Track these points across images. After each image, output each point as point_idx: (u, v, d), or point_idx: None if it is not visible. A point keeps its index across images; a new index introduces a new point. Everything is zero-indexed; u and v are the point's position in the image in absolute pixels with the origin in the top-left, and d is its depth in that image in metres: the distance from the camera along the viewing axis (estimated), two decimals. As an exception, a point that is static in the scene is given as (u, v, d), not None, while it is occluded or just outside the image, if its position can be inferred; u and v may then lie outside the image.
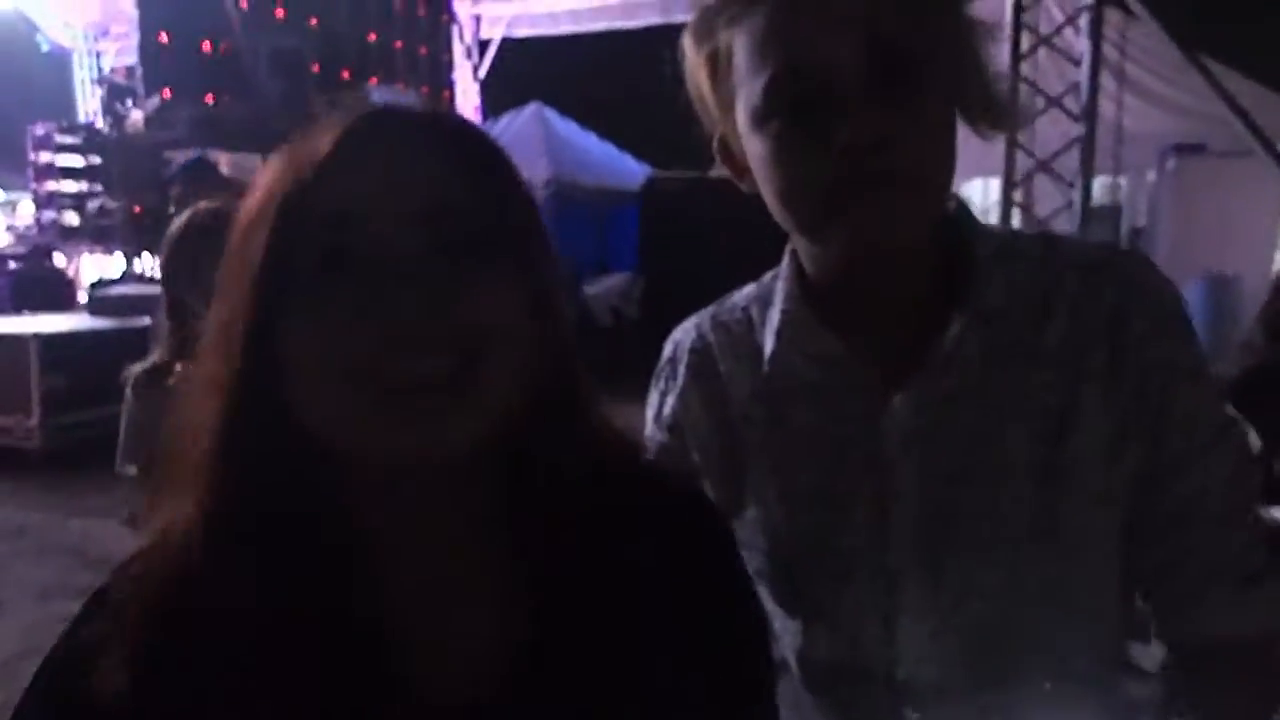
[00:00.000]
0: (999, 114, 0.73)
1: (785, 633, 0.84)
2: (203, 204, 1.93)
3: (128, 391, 1.91)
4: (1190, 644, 0.77)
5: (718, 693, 0.61)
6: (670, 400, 0.86)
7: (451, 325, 0.52)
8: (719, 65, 0.73)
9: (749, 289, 0.87)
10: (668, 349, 0.89)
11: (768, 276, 0.85)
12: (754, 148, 0.72)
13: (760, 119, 0.70)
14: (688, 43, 0.76)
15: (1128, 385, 0.74)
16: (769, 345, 0.80)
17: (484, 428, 0.54)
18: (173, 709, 0.53)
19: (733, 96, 0.73)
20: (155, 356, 1.90)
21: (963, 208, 0.79)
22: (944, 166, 0.71)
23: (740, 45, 0.71)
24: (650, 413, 0.88)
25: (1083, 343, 0.74)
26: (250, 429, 0.54)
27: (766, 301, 0.83)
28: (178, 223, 1.92)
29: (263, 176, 0.57)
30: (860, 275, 0.75)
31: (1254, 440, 1.68)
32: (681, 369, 0.86)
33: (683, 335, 0.88)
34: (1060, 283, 0.76)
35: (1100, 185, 8.61)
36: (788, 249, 0.81)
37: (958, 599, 0.75)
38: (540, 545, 0.58)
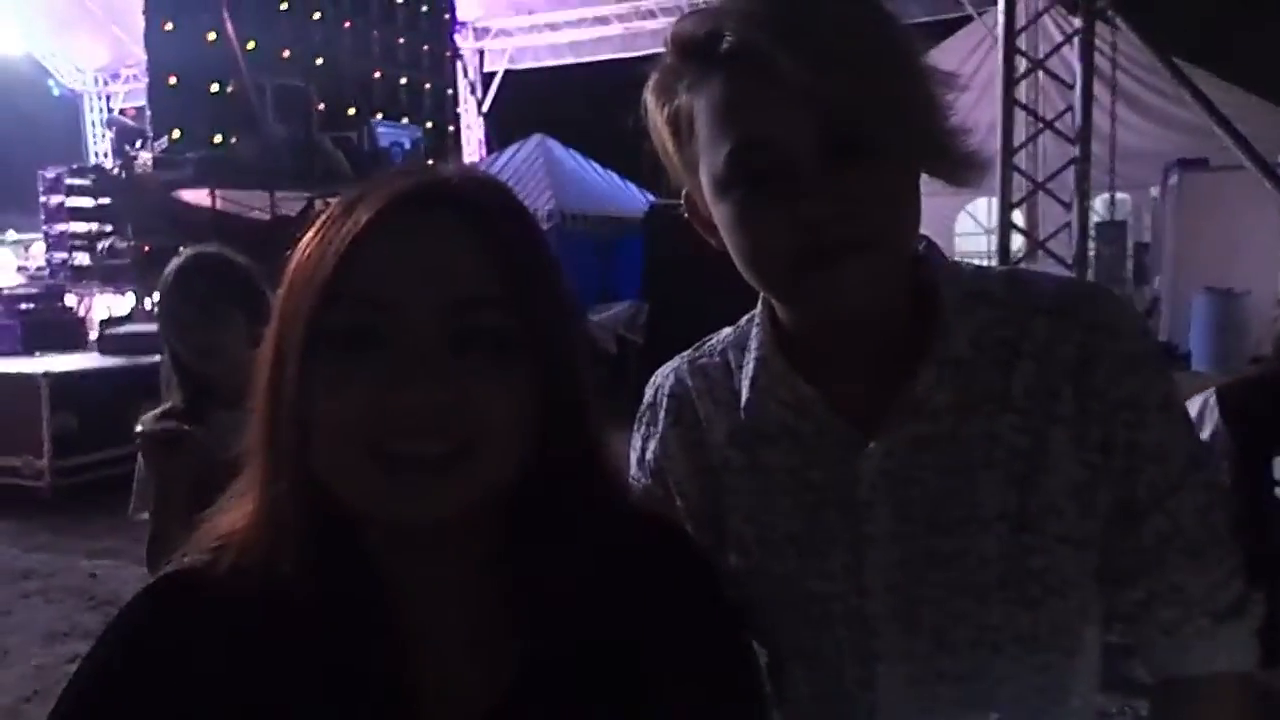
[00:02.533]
0: (959, 168, 0.72)
1: (769, 675, 0.84)
2: (187, 251, 1.95)
3: (138, 441, 1.91)
4: (1168, 681, 0.77)
5: None
6: (651, 445, 0.86)
7: (460, 415, 0.56)
8: (681, 126, 0.74)
9: (726, 333, 0.87)
10: (648, 393, 0.89)
11: (744, 320, 0.85)
12: (719, 213, 0.72)
13: (722, 188, 0.71)
14: (650, 101, 0.76)
15: (1097, 427, 0.74)
16: (744, 391, 0.80)
17: (475, 499, 0.58)
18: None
19: (696, 159, 0.73)
20: (165, 404, 1.90)
21: (931, 247, 0.79)
22: (906, 226, 0.71)
23: (700, 111, 0.71)
24: (633, 456, 0.88)
25: (1051, 387, 0.74)
26: (282, 493, 0.59)
27: (742, 346, 0.83)
28: (164, 274, 1.92)
29: (303, 248, 0.60)
30: (830, 330, 0.76)
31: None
32: (661, 414, 0.86)
33: (662, 379, 0.88)
34: (1027, 327, 0.76)
35: (1104, 202, 8.64)
36: (762, 296, 0.81)
37: (934, 645, 0.75)
38: (535, 589, 0.62)
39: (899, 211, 0.70)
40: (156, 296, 1.95)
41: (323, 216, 0.60)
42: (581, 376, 0.63)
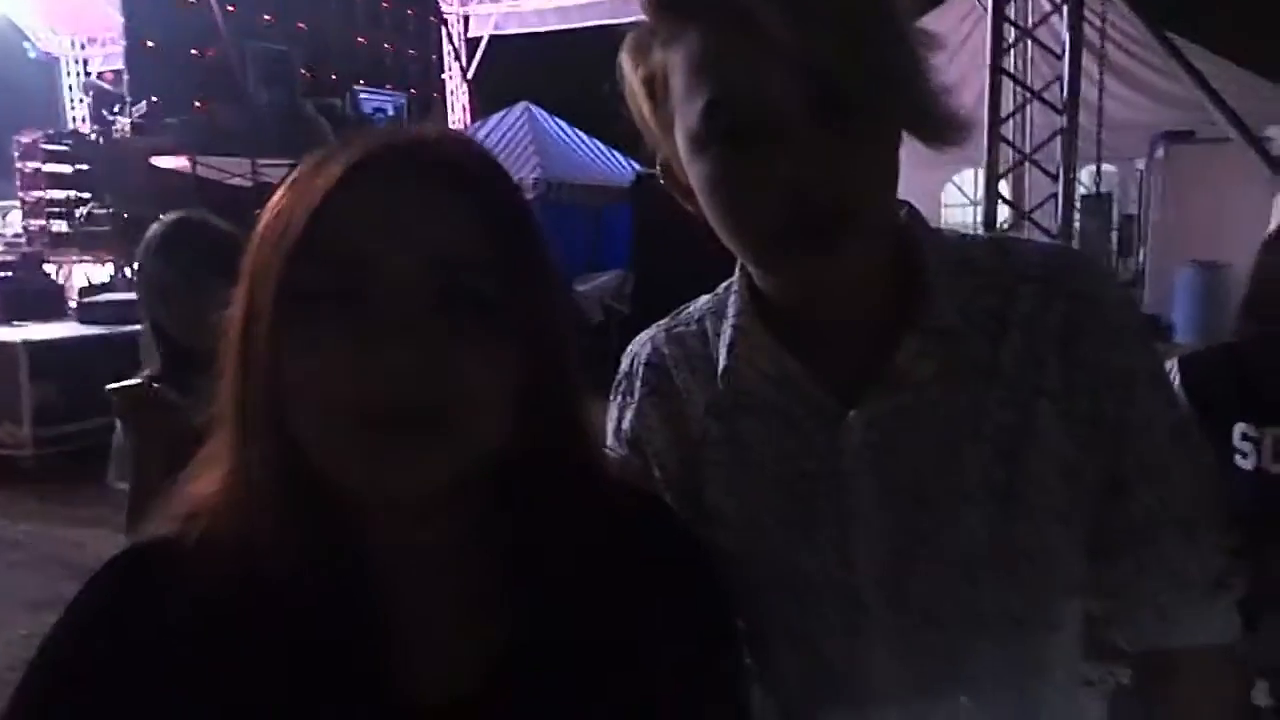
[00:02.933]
0: (942, 128, 0.70)
1: (751, 655, 0.84)
2: (168, 216, 1.89)
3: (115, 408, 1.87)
4: (1151, 653, 0.77)
5: (687, 697, 0.63)
6: (629, 415, 0.84)
7: (445, 375, 0.53)
8: (656, 87, 0.71)
9: (704, 300, 0.85)
10: (624, 363, 0.87)
11: (722, 288, 0.83)
12: (695, 172, 0.69)
13: (698, 145, 0.68)
14: (625, 63, 0.74)
15: (1084, 399, 0.73)
16: (722, 360, 0.78)
17: (456, 469, 0.56)
18: (188, 689, 0.56)
19: (671, 119, 0.71)
20: (144, 372, 1.85)
21: (914, 215, 0.77)
22: (888, 190, 0.69)
23: (676, 67, 0.68)
24: (610, 426, 0.86)
25: (1038, 357, 0.73)
26: (255, 462, 0.56)
27: (720, 314, 0.81)
28: (144, 240, 1.87)
29: (272, 207, 0.58)
30: (812, 299, 0.74)
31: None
32: (638, 384, 0.84)
33: (639, 348, 0.86)
34: (1012, 297, 0.74)
35: (1090, 174, 8.64)
36: (739, 262, 0.79)
37: (920, 620, 0.74)
38: (520, 563, 0.61)
39: (880, 176, 0.68)
40: (137, 264, 1.90)
41: (292, 175, 0.58)
42: (566, 345, 0.61)
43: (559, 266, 0.62)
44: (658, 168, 0.77)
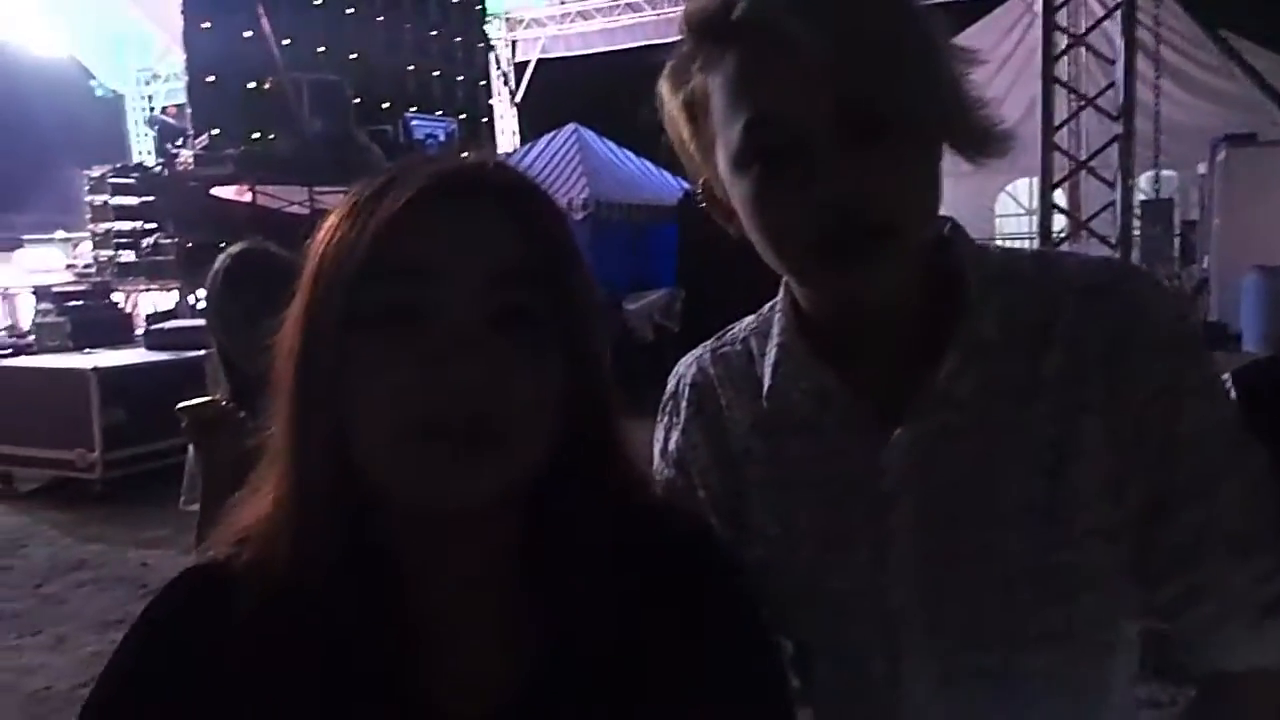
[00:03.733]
0: (982, 142, 0.70)
1: (795, 667, 0.83)
2: (234, 248, 1.94)
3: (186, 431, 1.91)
4: (1211, 677, 0.74)
5: (726, 709, 0.63)
6: (675, 436, 0.84)
7: (499, 396, 0.55)
8: (696, 110, 0.72)
9: (749, 320, 0.85)
10: (671, 383, 0.87)
11: (767, 308, 0.83)
12: (737, 191, 0.70)
13: (740, 163, 0.68)
14: (665, 89, 0.74)
15: (1130, 414, 0.70)
16: (767, 379, 0.78)
17: (510, 479, 0.58)
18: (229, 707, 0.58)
19: (713, 140, 0.71)
20: (211, 397, 1.91)
21: (956, 229, 0.76)
22: (926, 207, 0.69)
23: (716, 88, 0.69)
24: (656, 448, 0.86)
25: (1082, 373, 0.71)
26: (311, 472, 0.58)
27: (765, 333, 0.81)
28: (211, 271, 1.92)
29: (328, 230, 0.59)
30: (853, 316, 0.74)
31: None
32: (684, 404, 0.84)
33: (684, 369, 0.86)
34: (1057, 309, 0.73)
35: (1149, 180, 8.45)
36: (784, 281, 0.79)
37: (960, 641, 0.73)
38: (554, 579, 0.61)
39: (920, 193, 0.68)
40: (204, 293, 2.01)
41: (348, 199, 0.60)
42: (605, 365, 0.63)
43: (598, 286, 0.64)
44: (699, 190, 0.77)
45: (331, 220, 0.60)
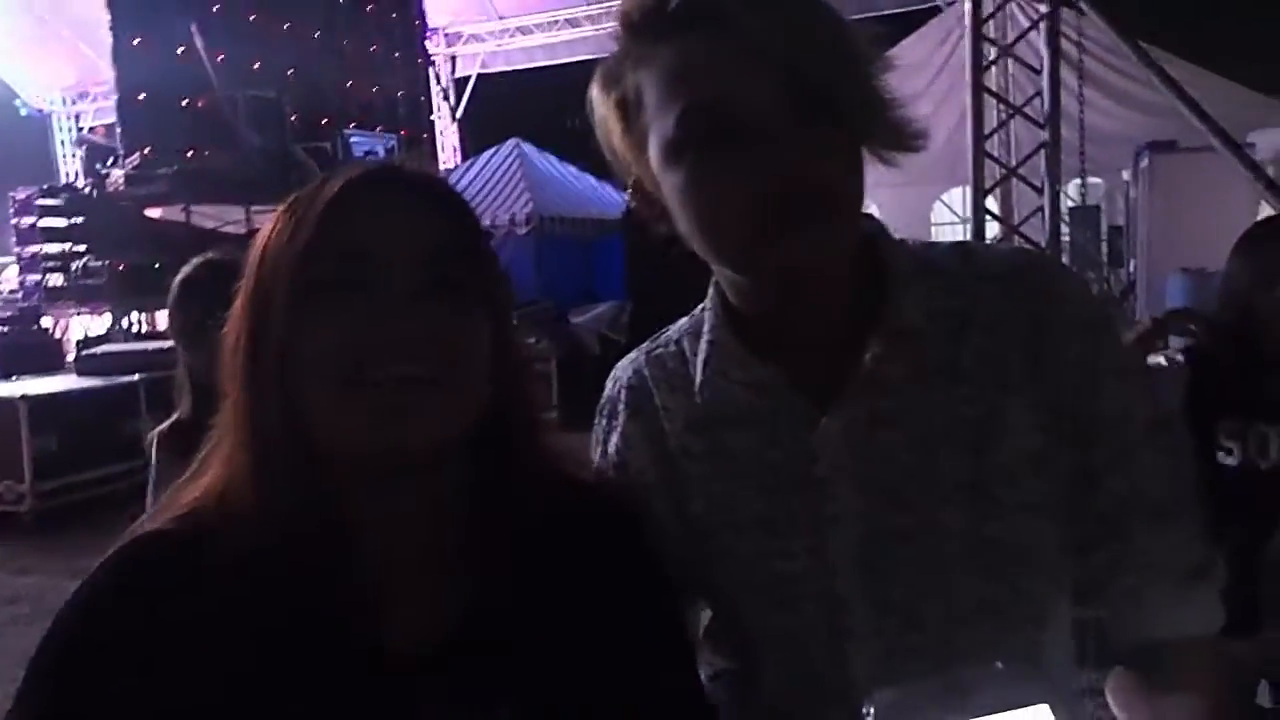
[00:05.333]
0: (898, 137, 0.73)
1: (739, 661, 0.84)
2: (195, 259, 1.94)
3: (151, 451, 1.90)
4: (1136, 646, 0.77)
5: (635, 664, 0.71)
6: (613, 438, 0.86)
7: (439, 340, 0.65)
8: (629, 108, 0.74)
9: (682, 322, 0.87)
10: (608, 387, 0.89)
11: (698, 309, 0.85)
12: (669, 181, 0.72)
13: (675, 151, 0.70)
14: (596, 94, 0.77)
15: (1051, 392, 0.74)
16: (699, 376, 0.81)
17: (456, 425, 0.66)
18: (193, 650, 0.63)
19: (645, 136, 0.73)
20: (177, 414, 1.89)
21: (878, 226, 0.79)
22: (859, 191, 0.72)
23: (650, 83, 0.71)
24: (595, 451, 0.88)
25: (1003, 355, 0.75)
26: (268, 432, 0.65)
27: (697, 333, 0.83)
28: (175, 282, 1.93)
29: (273, 223, 0.68)
30: (782, 302, 0.76)
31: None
32: (620, 406, 0.86)
33: (621, 372, 0.88)
34: (976, 296, 0.76)
35: (1077, 186, 8.71)
36: (713, 280, 0.81)
37: (903, 621, 0.75)
38: (482, 531, 0.70)
39: (854, 175, 0.71)
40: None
41: (288, 201, 0.69)
42: (520, 339, 0.73)
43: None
44: (628, 190, 0.79)
45: (270, 221, 0.69)
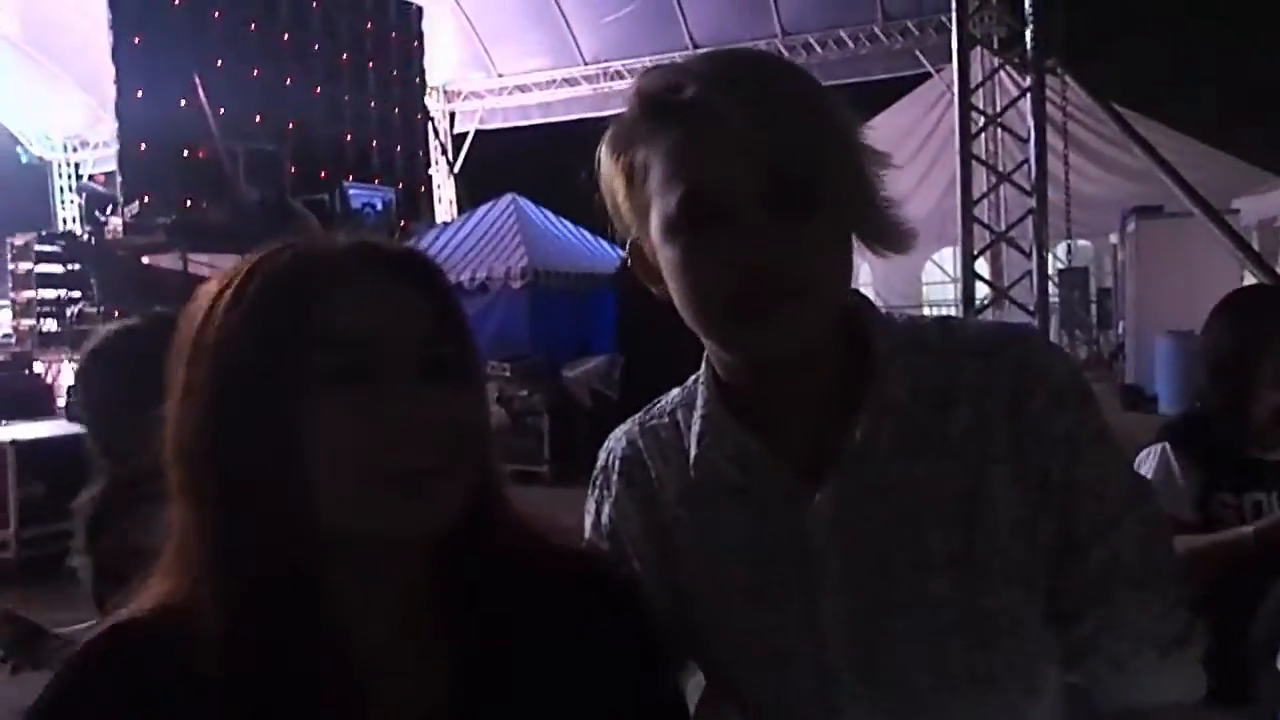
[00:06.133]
0: (888, 237, 0.77)
1: None
2: (113, 325, 1.72)
3: (78, 535, 1.70)
4: (1120, 713, 0.78)
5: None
6: (606, 508, 0.88)
7: (447, 427, 0.65)
8: (635, 175, 0.77)
9: (674, 393, 0.90)
10: (601, 457, 0.91)
11: (691, 380, 0.88)
12: (666, 255, 0.76)
13: (671, 230, 0.74)
14: (605, 152, 0.80)
15: (1032, 463, 0.76)
16: (692, 449, 0.83)
17: (460, 507, 0.66)
18: None
19: (647, 205, 0.76)
20: (98, 489, 1.66)
21: (863, 300, 0.82)
22: (838, 279, 0.75)
23: (656, 159, 0.75)
24: (588, 520, 0.90)
25: (986, 428, 0.77)
26: (256, 517, 0.62)
27: (690, 405, 0.85)
28: (89, 347, 1.68)
29: (220, 303, 0.65)
30: (768, 378, 0.78)
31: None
32: (614, 476, 0.88)
33: (614, 443, 0.90)
34: (960, 371, 0.78)
35: (1066, 249, 8.83)
36: (705, 354, 0.84)
37: (895, 691, 0.76)
38: (460, 615, 0.69)
39: (831, 262, 0.74)
40: (83, 378, 1.72)
41: (233, 280, 0.65)
42: (486, 402, 0.74)
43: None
44: (627, 250, 0.82)
45: (223, 293, 0.65)
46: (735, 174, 0.71)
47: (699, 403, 0.83)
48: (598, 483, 0.90)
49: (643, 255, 0.80)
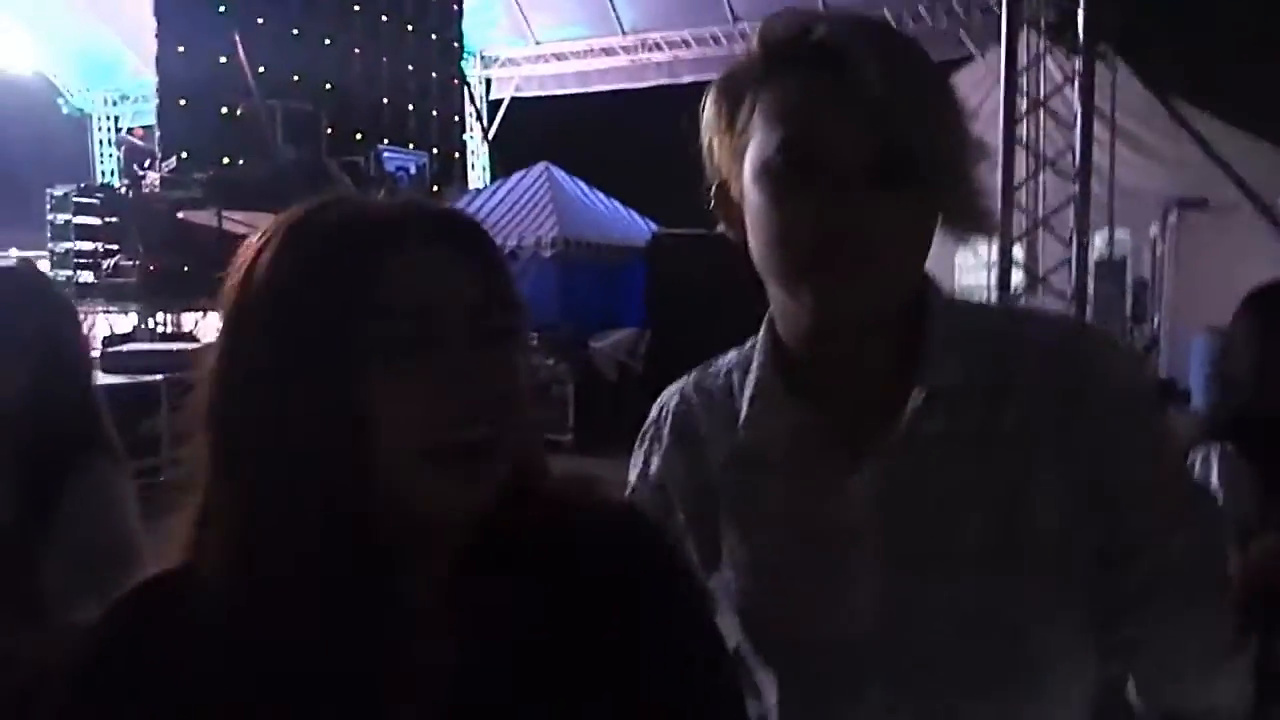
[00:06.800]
0: (978, 223, 0.76)
1: (753, 701, 0.84)
2: None
3: None
4: (1165, 714, 0.79)
5: (680, 687, 0.66)
6: (655, 460, 0.88)
7: (504, 395, 0.63)
8: (738, 115, 0.76)
9: (732, 354, 0.89)
10: (654, 411, 0.91)
11: (749, 343, 0.87)
12: (753, 196, 0.75)
13: (765, 171, 0.73)
14: (711, 94, 0.79)
15: (1082, 466, 0.75)
16: (743, 411, 0.82)
17: (505, 479, 0.64)
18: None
19: (745, 146, 0.76)
20: None
21: (931, 285, 0.81)
22: (916, 256, 0.75)
23: (767, 102, 0.74)
24: (634, 471, 0.90)
25: (1039, 425, 0.76)
26: (309, 488, 0.61)
27: (745, 368, 0.85)
28: None
29: (278, 250, 0.62)
30: (829, 342, 0.78)
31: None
32: (665, 430, 0.88)
33: (668, 398, 0.90)
34: (1019, 364, 0.77)
35: (1104, 239, 8.68)
36: (766, 316, 0.83)
37: (916, 677, 0.76)
38: (480, 579, 0.65)
39: (914, 239, 0.73)
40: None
41: (274, 239, 0.63)
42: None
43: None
44: (711, 193, 0.81)
45: (262, 254, 0.63)
46: (845, 131, 0.70)
47: (754, 366, 0.83)
48: (648, 435, 0.90)
49: (727, 198, 0.80)
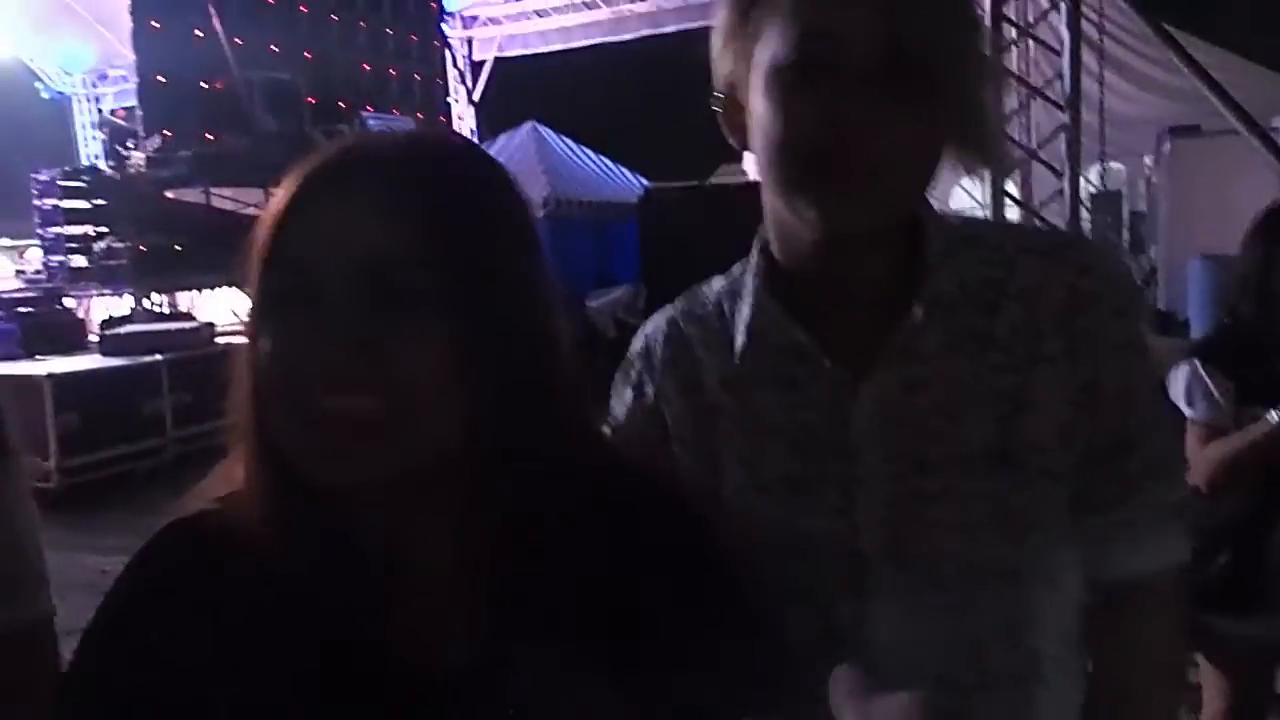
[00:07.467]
0: (987, 151, 0.77)
1: None
2: None
3: None
4: (1114, 583, 0.81)
5: (717, 664, 0.62)
6: (648, 388, 0.88)
7: (382, 373, 0.56)
8: (752, 18, 0.76)
9: (717, 282, 0.89)
10: (637, 343, 0.90)
11: (736, 269, 0.87)
12: (761, 97, 0.74)
13: (774, 73, 0.73)
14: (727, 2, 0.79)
15: (1086, 368, 0.77)
16: (739, 338, 0.83)
17: (412, 464, 0.59)
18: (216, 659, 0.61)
19: (753, 48, 0.75)
20: None
21: (927, 205, 0.81)
22: (925, 170, 0.74)
23: (778, 3, 0.74)
24: (617, 403, 0.89)
25: (1036, 327, 0.77)
26: (267, 449, 0.61)
27: (736, 293, 0.85)
28: None
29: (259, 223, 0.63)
30: (825, 259, 0.78)
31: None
32: (656, 359, 0.88)
33: (653, 329, 0.90)
34: (1014, 268, 0.79)
35: (1098, 172, 8.63)
36: (756, 241, 0.84)
37: (924, 580, 0.78)
38: (506, 535, 0.62)
39: (925, 149, 0.73)
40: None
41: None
42: (521, 339, 0.62)
43: (518, 260, 0.63)
44: (718, 96, 0.81)
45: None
46: (857, 29, 0.69)
47: (747, 290, 0.83)
48: (635, 366, 0.90)
49: (732, 105, 0.79)
